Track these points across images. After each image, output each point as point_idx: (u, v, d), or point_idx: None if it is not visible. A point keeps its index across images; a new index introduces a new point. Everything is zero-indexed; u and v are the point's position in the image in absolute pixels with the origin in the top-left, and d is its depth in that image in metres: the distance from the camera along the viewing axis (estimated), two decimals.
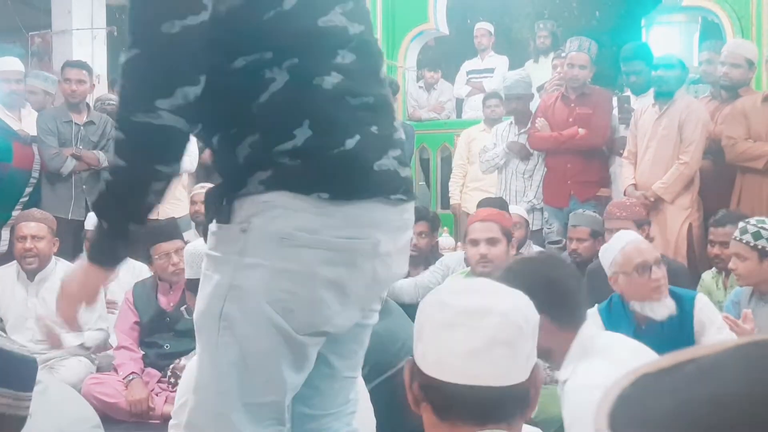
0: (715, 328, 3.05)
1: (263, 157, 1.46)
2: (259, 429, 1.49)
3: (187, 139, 1.46)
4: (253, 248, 1.45)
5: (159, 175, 1.44)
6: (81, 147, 5.33)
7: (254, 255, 1.45)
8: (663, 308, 2.98)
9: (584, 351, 2.06)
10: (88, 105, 5.59)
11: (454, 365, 1.23)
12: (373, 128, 1.52)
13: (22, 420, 1.65)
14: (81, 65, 5.56)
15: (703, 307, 3.09)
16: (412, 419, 1.41)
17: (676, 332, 3.01)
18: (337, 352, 1.64)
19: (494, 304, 1.24)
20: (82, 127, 5.38)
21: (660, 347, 2.49)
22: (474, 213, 4.11)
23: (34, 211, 4.50)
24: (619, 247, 3.07)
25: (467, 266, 4.31)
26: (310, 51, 1.49)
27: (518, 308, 1.26)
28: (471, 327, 1.23)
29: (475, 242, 3.64)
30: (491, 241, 3.62)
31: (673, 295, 3.06)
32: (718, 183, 4.82)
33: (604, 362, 1.98)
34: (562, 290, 2.08)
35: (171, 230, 4.10)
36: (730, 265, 3.56)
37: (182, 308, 3.88)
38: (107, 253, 1.52)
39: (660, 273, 3.01)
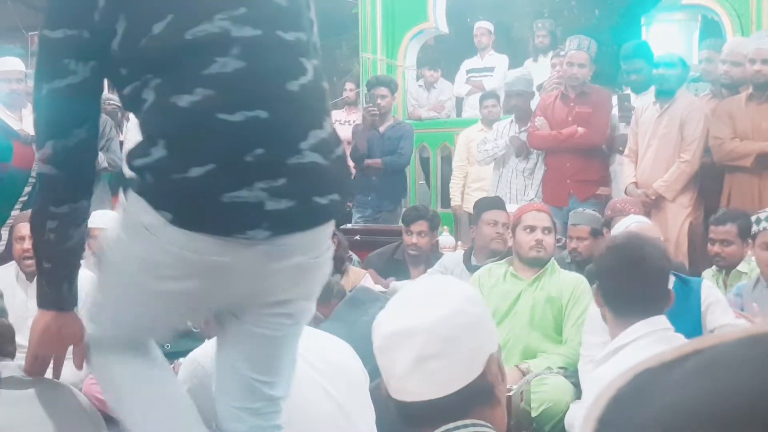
0: (721, 309, 3.19)
1: (131, 167, 1.57)
2: (120, 350, 1.71)
3: (71, 182, 1.64)
4: (129, 228, 1.60)
5: (51, 215, 1.63)
6: None
7: (129, 233, 1.61)
8: None
9: (622, 344, 2.12)
10: None
11: (393, 385, 1.28)
12: (248, 155, 1.51)
13: None
14: None
15: (709, 289, 3.27)
16: None
17: (682, 309, 3.09)
18: (241, 354, 1.74)
19: (417, 323, 1.25)
20: None
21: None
22: (524, 204, 4.35)
23: None
24: (625, 226, 3.21)
25: (466, 266, 4.31)
26: (171, 68, 1.53)
27: (445, 320, 1.26)
28: (397, 349, 1.25)
29: (532, 228, 3.80)
30: (546, 230, 3.81)
31: (682, 279, 3.24)
32: (719, 181, 4.83)
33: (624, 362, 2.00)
34: (615, 281, 2.20)
35: None
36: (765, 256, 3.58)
37: None
38: (39, 294, 1.71)
39: None
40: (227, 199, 1.50)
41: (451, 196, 6.47)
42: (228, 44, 1.52)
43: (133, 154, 1.56)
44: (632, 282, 2.18)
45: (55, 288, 1.67)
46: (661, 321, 2.18)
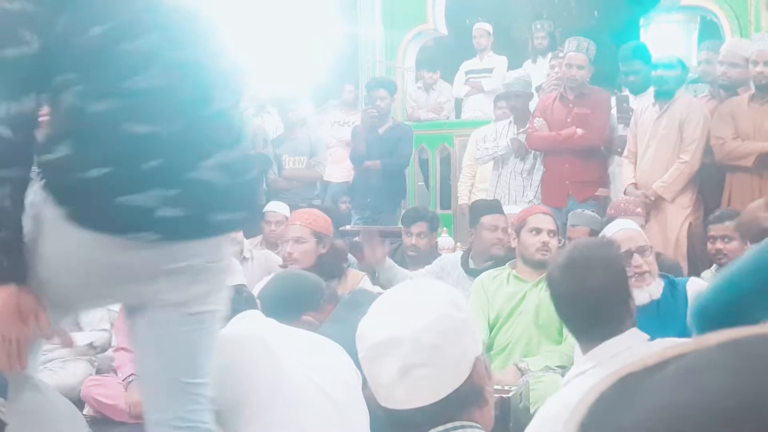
0: None
1: (38, 162, 1.67)
2: None
3: (22, 146, 1.64)
4: (36, 216, 1.68)
5: (1, 179, 1.62)
6: None
7: (34, 220, 1.68)
8: (643, 294, 3.05)
9: (578, 372, 2.02)
10: None
11: (382, 394, 1.27)
12: (146, 164, 1.62)
13: (3, 426, 1.72)
14: None
15: (694, 284, 3.23)
16: None
17: (671, 312, 3.08)
18: (141, 350, 1.80)
19: (403, 332, 1.25)
20: None
21: (654, 328, 2.53)
22: (527, 208, 4.32)
23: None
24: (612, 232, 3.18)
25: (464, 269, 4.31)
26: (94, 74, 1.64)
27: (429, 327, 1.25)
28: (383, 359, 1.25)
29: (538, 230, 3.82)
30: (551, 232, 3.85)
31: (672, 282, 3.22)
32: (719, 182, 4.83)
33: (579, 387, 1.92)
34: (561, 312, 2.09)
35: None
36: None
37: None
38: None
39: (640, 261, 3.10)
40: (121, 201, 1.62)
41: (459, 194, 6.46)
42: (154, 62, 1.64)
43: (39, 150, 1.67)
44: (575, 311, 2.03)
45: (14, 257, 1.66)
46: (622, 342, 1.98)
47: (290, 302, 2.61)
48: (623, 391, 0.44)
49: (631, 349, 1.96)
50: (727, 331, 0.44)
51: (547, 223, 3.86)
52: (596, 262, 2.05)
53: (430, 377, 1.24)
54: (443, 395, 1.25)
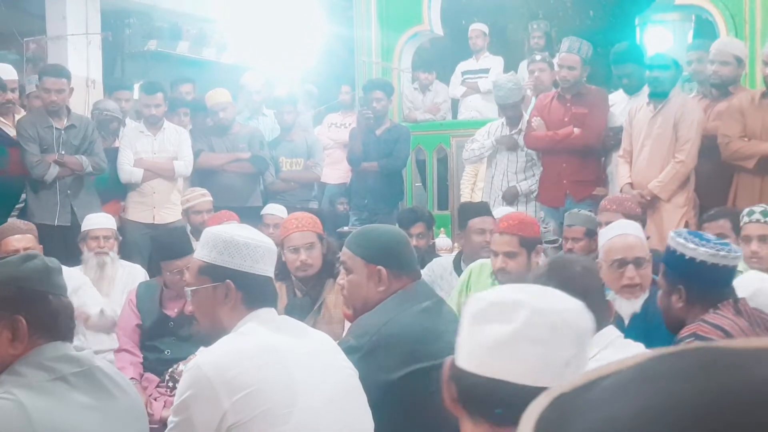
0: None
1: None
2: None
3: None
4: None
5: None
6: (63, 152, 5.27)
7: None
8: (629, 307, 3.01)
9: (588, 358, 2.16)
10: (68, 108, 5.46)
11: (481, 356, 1.21)
12: None
13: None
14: (59, 73, 5.37)
15: None
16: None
17: (659, 323, 3.06)
18: None
19: (528, 300, 1.21)
20: (63, 132, 5.31)
21: (645, 338, 2.55)
22: (499, 221, 4.04)
23: (19, 222, 4.41)
24: (610, 236, 3.11)
25: (457, 272, 4.32)
26: None
27: (559, 309, 1.21)
28: (500, 320, 1.20)
29: (495, 254, 3.68)
30: (508, 255, 3.62)
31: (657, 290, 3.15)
32: (714, 181, 4.84)
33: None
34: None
35: (184, 246, 3.99)
36: (754, 248, 3.57)
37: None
38: None
39: (633, 273, 3.01)
40: None
41: (461, 193, 6.47)
42: None
43: None
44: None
45: None
46: (611, 331, 2.23)
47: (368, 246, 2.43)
48: (561, 409, 0.45)
49: (622, 337, 2.23)
50: (651, 350, 0.46)
51: (503, 245, 3.70)
52: (580, 263, 2.27)
53: (535, 357, 1.20)
54: (536, 384, 1.18)
